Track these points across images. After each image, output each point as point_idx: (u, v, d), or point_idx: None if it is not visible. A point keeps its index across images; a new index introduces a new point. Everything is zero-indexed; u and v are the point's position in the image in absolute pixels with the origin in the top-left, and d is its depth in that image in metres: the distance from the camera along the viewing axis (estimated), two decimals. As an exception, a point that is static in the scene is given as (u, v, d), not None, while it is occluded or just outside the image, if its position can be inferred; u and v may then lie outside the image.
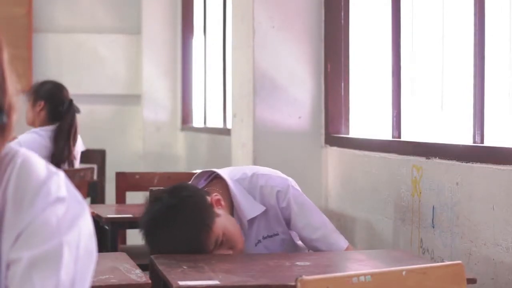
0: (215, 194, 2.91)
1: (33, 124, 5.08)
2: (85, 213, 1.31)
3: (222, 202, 2.91)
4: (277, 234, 3.02)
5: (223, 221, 2.84)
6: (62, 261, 1.24)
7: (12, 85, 1.30)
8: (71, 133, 5.03)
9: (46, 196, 1.27)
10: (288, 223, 3.03)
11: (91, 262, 1.30)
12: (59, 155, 4.97)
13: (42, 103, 5.03)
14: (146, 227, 2.86)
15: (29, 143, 4.86)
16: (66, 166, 5.02)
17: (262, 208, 2.97)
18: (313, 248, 3.04)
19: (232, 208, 2.97)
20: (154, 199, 2.91)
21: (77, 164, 5.21)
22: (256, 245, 3.01)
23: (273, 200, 2.99)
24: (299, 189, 3.08)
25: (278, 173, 3.09)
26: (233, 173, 3.04)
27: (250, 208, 2.96)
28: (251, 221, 2.98)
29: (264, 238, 3.01)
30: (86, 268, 1.29)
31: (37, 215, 1.25)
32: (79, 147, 5.23)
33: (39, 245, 1.24)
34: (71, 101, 5.06)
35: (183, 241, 2.79)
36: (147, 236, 2.86)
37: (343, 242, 3.05)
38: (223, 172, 3.02)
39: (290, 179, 3.07)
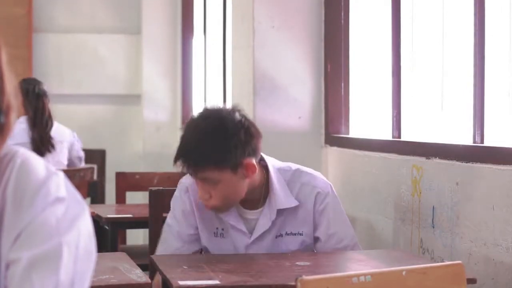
0: (254, 166, 2.82)
1: None
2: (84, 213, 1.30)
3: (255, 176, 2.84)
4: (301, 234, 2.98)
5: (233, 181, 2.80)
6: (61, 261, 1.24)
7: (11, 84, 1.29)
8: (36, 119, 5.11)
9: (45, 196, 1.27)
10: (316, 227, 3.01)
11: (90, 262, 1.30)
12: (33, 144, 5.05)
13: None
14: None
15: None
16: (47, 154, 5.08)
17: (295, 203, 2.93)
18: None
19: (266, 195, 2.93)
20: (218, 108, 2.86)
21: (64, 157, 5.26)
22: (276, 237, 2.98)
23: (310, 200, 2.97)
24: (337, 196, 3.06)
25: (321, 175, 3.06)
26: (277, 162, 3.00)
27: (284, 198, 2.92)
28: (280, 212, 2.94)
29: (287, 234, 2.98)
30: (86, 268, 1.28)
31: (36, 215, 1.25)
32: (65, 136, 5.30)
33: (38, 245, 1.23)
34: (38, 93, 5.14)
35: (195, 140, 2.75)
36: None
37: None
38: (268, 158, 2.98)
39: (331, 184, 3.05)
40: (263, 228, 2.95)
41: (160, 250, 2.99)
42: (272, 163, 2.98)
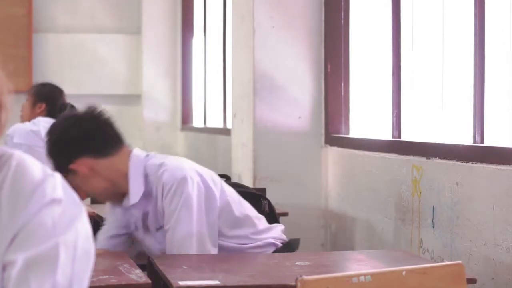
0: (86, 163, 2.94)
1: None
2: (82, 215, 1.30)
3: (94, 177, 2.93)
4: (162, 226, 2.96)
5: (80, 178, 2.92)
6: (58, 262, 1.23)
7: (3, 84, 1.28)
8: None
9: (41, 198, 1.26)
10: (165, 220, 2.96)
11: (89, 263, 1.29)
12: None
13: (43, 105, 5.02)
14: None
15: (17, 129, 4.88)
16: None
17: (135, 200, 2.93)
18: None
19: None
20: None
21: None
22: (157, 230, 2.97)
23: (159, 193, 2.92)
24: (202, 190, 2.93)
25: (180, 165, 2.96)
26: (156, 158, 2.99)
27: (133, 193, 2.93)
28: (144, 208, 2.95)
29: (157, 230, 2.98)
30: (84, 269, 1.28)
31: (32, 217, 1.24)
32: None
33: (34, 246, 1.23)
34: (72, 106, 5.04)
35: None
36: None
37: None
38: (137, 153, 2.99)
39: (186, 176, 2.93)
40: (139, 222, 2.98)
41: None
42: (147, 159, 2.97)
